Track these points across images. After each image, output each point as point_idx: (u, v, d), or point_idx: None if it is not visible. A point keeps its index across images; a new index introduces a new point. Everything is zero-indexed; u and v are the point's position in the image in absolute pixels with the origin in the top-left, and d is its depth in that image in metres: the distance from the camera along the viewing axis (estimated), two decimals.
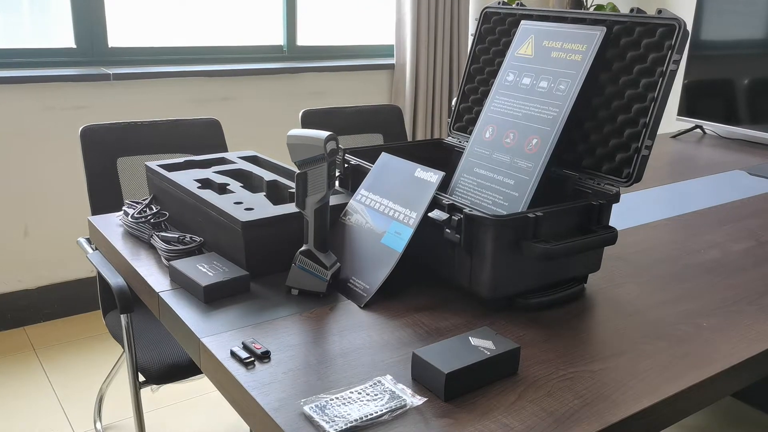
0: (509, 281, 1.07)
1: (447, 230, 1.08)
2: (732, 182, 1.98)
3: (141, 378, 1.50)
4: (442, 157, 1.51)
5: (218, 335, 0.98)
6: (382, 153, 1.26)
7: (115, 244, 1.31)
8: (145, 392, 2.05)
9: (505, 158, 1.29)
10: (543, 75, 1.30)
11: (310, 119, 2.08)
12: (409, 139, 3.17)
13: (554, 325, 1.05)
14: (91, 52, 2.62)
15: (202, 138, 1.91)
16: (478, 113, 1.49)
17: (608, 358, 0.96)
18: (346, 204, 1.25)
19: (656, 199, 1.78)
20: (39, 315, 2.60)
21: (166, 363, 1.49)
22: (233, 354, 0.93)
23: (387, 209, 1.17)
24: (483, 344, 0.91)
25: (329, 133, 1.06)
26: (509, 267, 1.06)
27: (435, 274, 1.18)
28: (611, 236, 1.09)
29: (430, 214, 1.07)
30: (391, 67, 3.17)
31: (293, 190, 1.32)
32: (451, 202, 1.08)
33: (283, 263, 1.20)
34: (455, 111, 1.53)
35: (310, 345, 0.97)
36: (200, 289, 1.08)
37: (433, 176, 1.14)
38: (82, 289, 2.67)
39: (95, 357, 2.33)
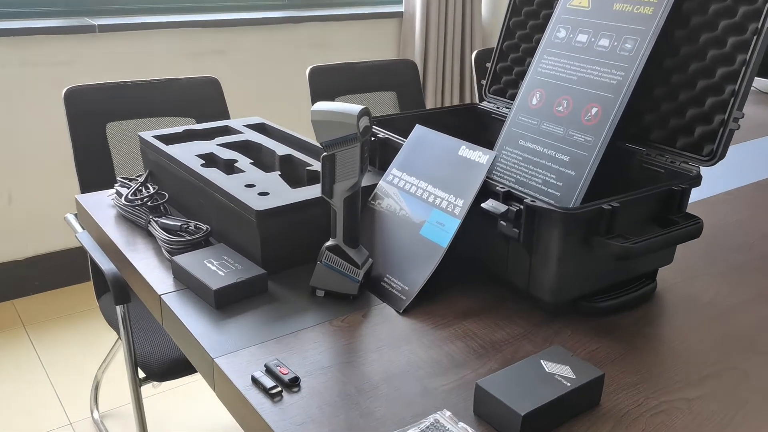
0: (575, 283, 0.91)
1: (502, 222, 0.90)
2: None
3: (141, 374, 1.35)
4: (476, 125, 1.33)
5: (235, 354, 0.82)
6: (417, 125, 1.08)
7: (108, 231, 1.13)
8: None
9: (557, 130, 1.11)
10: (603, 31, 1.11)
11: (318, 77, 1.88)
12: (425, 98, 2.96)
13: (628, 336, 0.89)
14: (75, 0, 2.39)
15: (201, 99, 1.71)
16: (519, 74, 1.30)
17: (704, 380, 0.81)
18: (374, 186, 1.07)
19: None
20: (28, 288, 2.43)
21: (169, 357, 1.33)
22: (255, 381, 0.77)
23: (426, 194, 1.00)
24: (559, 371, 0.75)
25: (361, 107, 0.87)
26: (576, 266, 0.89)
27: (481, 271, 1.01)
28: (696, 228, 0.92)
29: (483, 205, 0.90)
30: (399, 15, 2.94)
31: (311, 167, 1.14)
32: (507, 189, 0.90)
33: (304, 256, 1.03)
34: (491, 71, 1.34)
35: (345, 367, 0.80)
36: (210, 293, 0.91)
37: (483, 156, 0.96)
38: (74, 259, 2.51)
39: (89, 335, 2.18)
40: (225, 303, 0.92)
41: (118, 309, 1.29)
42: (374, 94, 2.00)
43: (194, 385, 1.93)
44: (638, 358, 0.85)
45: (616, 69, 1.06)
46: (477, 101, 2.15)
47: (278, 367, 0.79)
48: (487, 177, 0.94)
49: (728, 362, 0.85)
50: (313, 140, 1.25)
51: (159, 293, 0.95)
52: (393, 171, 1.06)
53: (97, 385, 1.76)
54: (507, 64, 1.31)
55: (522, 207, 0.88)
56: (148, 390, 1.87)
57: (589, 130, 1.07)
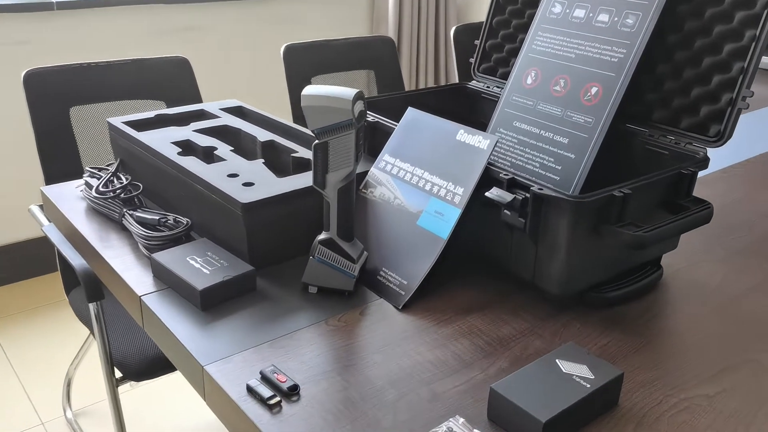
0: (583, 273, 0.86)
1: (506, 212, 0.85)
2: None
3: (117, 373, 1.28)
4: (466, 105, 1.27)
5: (227, 360, 0.76)
6: (409, 108, 1.02)
7: (78, 226, 1.05)
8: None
9: (555, 111, 1.06)
10: (602, 6, 1.05)
11: (292, 55, 1.80)
12: (404, 76, 2.89)
13: (639, 328, 0.86)
14: None
15: (170, 80, 1.62)
16: (510, 52, 1.24)
17: (721, 375, 0.77)
18: (365, 173, 1.01)
19: None
20: None
21: (147, 356, 1.26)
22: (251, 390, 0.71)
23: (422, 182, 0.94)
24: (577, 371, 0.70)
25: (356, 90, 0.81)
26: (585, 256, 0.85)
27: (481, 261, 0.96)
28: (707, 213, 0.88)
29: (488, 194, 0.84)
30: None
31: (296, 154, 1.07)
32: (511, 176, 0.85)
33: (293, 250, 0.97)
34: (480, 48, 1.28)
35: (346, 371, 0.75)
36: (196, 293, 0.84)
37: (483, 141, 0.91)
38: (40, 249, 2.40)
39: (58, 329, 2.09)
40: (212, 304, 0.85)
41: (91, 307, 1.21)
42: (351, 73, 1.93)
43: (172, 378, 1.86)
44: (651, 353, 0.81)
45: (617, 46, 1.01)
46: (457, 79, 2.09)
47: (275, 374, 0.73)
48: (489, 163, 0.89)
49: (744, 354, 0.81)
50: (295, 124, 1.18)
51: (139, 294, 0.88)
52: (385, 157, 1.00)
53: (69, 383, 1.68)
54: (497, 41, 1.25)
55: (528, 195, 0.83)
56: (124, 387, 1.79)
57: (589, 110, 1.02)
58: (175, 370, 1.29)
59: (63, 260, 1.45)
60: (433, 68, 2.95)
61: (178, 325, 0.82)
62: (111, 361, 1.24)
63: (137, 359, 1.25)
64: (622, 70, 1.00)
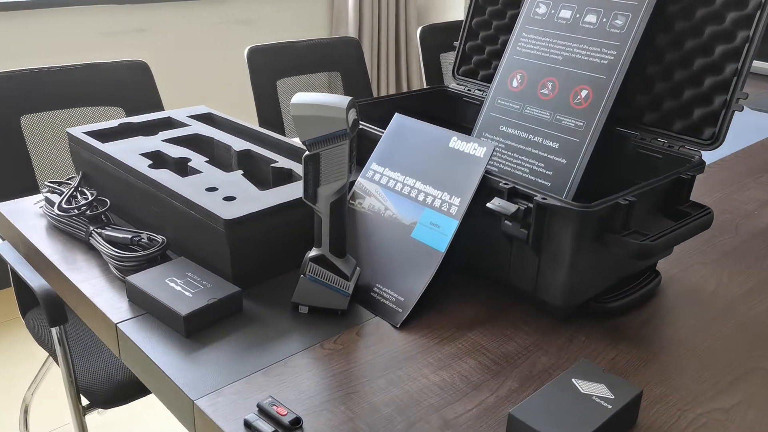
0: (586, 284, 0.83)
1: (507, 222, 0.82)
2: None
3: (84, 401, 1.19)
4: (447, 109, 1.24)
5: (219, 393, 0.70)
6: (396, 114, 0.97)
7: (40, 246, 0.97)
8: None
9: (543, 115, 1.03)
10: (589, 6, 1.03)
11: (256, 57, 1.74)
12: (373, 77, 2.83)
13: (644, 338, 0.83)
14: None
15: (128, 85, 1.54)
16: (492, 54, 1.21)
17: (734, 385, 0.75)
18: (352, 183, 0.96)
19: None
20: None
21: (115, 381, 1.18)
22: (250, 427, 0.65)
23: (414, 192, 0.89)
24: (596, 390, 0.67)
25: (349, 98, 0.76)
26: (589, 267, 0.82)
27: (479, 274, 0.92)
28: (709, 218, 0.86)
29: (490, 205, 0.80)
30: None
31: (276, 164, 1.01)
32: (511, 185, 0.81)
33: (279, 267, 0.91)
34: (460, 50, 1.24)
35: (349, 399, 0.70)
36: (179, 319, 0.78)
37: (479, 149, 0.87)
38: None
39: (12, 350, 1.97)
40: (197, 329, 0.79)
41: (54, 331, 1.13)
42: (317, 75, 1.87)
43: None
44: (660, 365, 0.78)
45: (606, 48, 0.99)
46: (423, 82, 2.06)
47: (274, 407, 0.67)
48: (487, 172, 0.85)
49: (751, 362, 0.79)
50: (269, 131, 1.12)
51: (114, 321, 0.81)
52: (373, 166, 0.95)
53: (26, 409, 1.57)
54: (477, 42, 1.22)
55: (530, 205, 0.79)
56: (92, 415, 1.70)
57: (579, 114, 1.00)
58: (147, 394, 1.21)
59: (18, 280, 1.35)
60: (395, 69, 2.91)
61: (161, 355, 0.75)
62: (77, 389, 1.16)
63: (105, 385, 1.17)
64: (612, 72, 0.98)
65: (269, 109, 1.74)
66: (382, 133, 0.97)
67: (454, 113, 1.23)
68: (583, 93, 1.00)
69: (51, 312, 1.09)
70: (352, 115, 0.76)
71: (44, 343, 1.28)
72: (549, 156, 1.01)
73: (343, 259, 0.83)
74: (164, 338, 0.78)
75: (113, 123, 1.14)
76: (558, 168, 1.00)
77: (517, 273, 0.85)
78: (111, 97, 1.52)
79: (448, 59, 2.05)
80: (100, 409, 1.18)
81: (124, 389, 1.17)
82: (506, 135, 1.07)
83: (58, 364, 1.17)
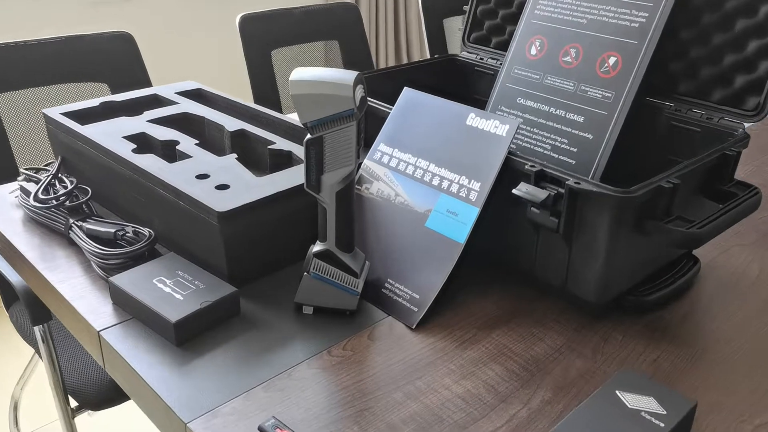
0: (623, 276, 0.75)
1: (534, 210, 0.73)
2: None
3: (72, 402, 1.12)
4: (457, 80, 1.14)
5: (214, 413, 0.62)
6: (405, 89, 0.87)
7: (15, 241, 0.88)
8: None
9: (566, 85, 0.93)
10: None
11: (249, 26, 1.63)
12: (371, 47, 2.71)
13: (687, 335, 0.75)
14: None
15: (112, 60, 1.43)
16: (506, 18, 1.11)
17: None
18: (358, 165, 0.87)
19: None
20: None
21: (105, 382, 1.10)
22: None
23: (428, 176, 0.80)
24: (644, 405, 0.59)
25: (355, 73, 0.66)
26: (626, 257, 0.73)
27: (500, 266, 0.84)
28: (757, 199, 0.77)
29: (516, 191, 0.71)
30: None
31: (274, 146, 0.92)
32: (539, 168, 0.72)
33: (280, 261, 0.82)
34: (470, 16, 1.14)
35: (363, 418, 0.62)
36: (169, 326, 0.69)
37: (501, 126, 0.78)
38: None
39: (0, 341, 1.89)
40: (189, 337, 0.71)
41: (37, 330, 1.04)
42: (314, 44, 1.76)
43: None
44: (708, 367, 0.70)
45: (637, 9, 0.89)
46: (426, 51, 1.95)
47: (277, 429, 0.59)
48: (510, 153, 0.75)
49: None
50: (265, 109, 1.02)
51: (97, 329, 0.72)
52: (380, 147, 0.86)
53: (15, 405, 1.50)
54: (489, 6, 1.11)
55: (561, 190, 0.70)
56: (82, 417, 1.63)
57: (607, 83, 0.90)
58: None
59: None
60: (393, 37, 2.79)
61: (149, 368, 0.67)
62: (64, 389, 1.08)
63: (95, 386, 1.09)
64: (644, 36, 0.88)
65: (264, 83, 1.63)
66: (390, 109, 0.87)
67: (465, 85, 1.13)
68: (611, 60, 0.90)
69: (33, 310, 1.01)
70: (360, 92, 0.66)
71: (29, 339, 1.20)
72: (573, 131, 0.92)
73: (351, 253, 0.74)
74: (153, 347, 0.70)
75: (94, 102, 1.04)
76: (584, 144, 0.91)
77: (545, 265, 0.77)
78: (94, 72, 1.41)
79: (453, 24, 1.94)
80: (90, 411, 1.11)
81: (116, 389, 1.09)
82: (524, 108, 0.97)
83: (43, 362, 1.09)
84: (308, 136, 0.67)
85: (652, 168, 0.91)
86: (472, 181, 0.77)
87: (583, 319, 0.76)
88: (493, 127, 0.77)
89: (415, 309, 0.75)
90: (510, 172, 0.75)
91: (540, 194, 0.69)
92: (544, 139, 0.95)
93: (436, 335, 0.73)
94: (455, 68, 1.14)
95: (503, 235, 0.80)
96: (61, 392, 1.08)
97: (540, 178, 0.72)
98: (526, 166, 0.73)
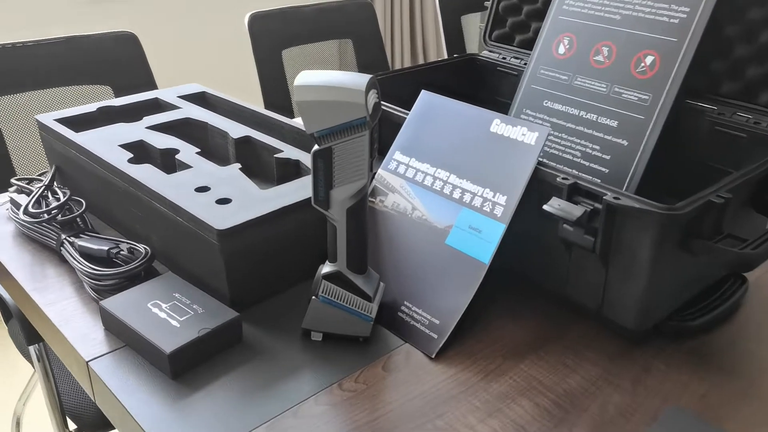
0: (665, 300, 0.67)
1: (567, 227, 0.65)
2: None
3: (72, 425, 1.06)
4: (477, 81, 1.07)
5: None
6: (423, 92, 0.80)
7: (4, 259, 0.82)
8: None
9: (598, 87, 0.86)
10: None
11: (259, 25, 1.56)
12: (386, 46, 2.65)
13: (735, 364, 0.67)
14: None
15: (116, 61, 1.37)
16: (530, 15, 1.03)
17: None
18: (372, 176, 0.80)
19: None
20: None
21: None
22: None
23: (447, 188, 0.73)
24: None
25: (368, 77, 0.59)
26: (669, 280, 0.66)
27: (526, 285, 0.76)
28: None
29: (548, 208, 0.64)
30: None
31: (281, 155, 0.85)
32: (572, 181, 0.65)
33: (287, 281, 0.76)
34: (492, 12, 1.07)
35: None
36: (163, 357, 0.63)
37: (529, 134, 0.70)
38: None
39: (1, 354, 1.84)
40: (185, 369, 0.64)
41: (32, 350, 0.98)
42: (326, 44, 1.70)
43: None
44: (761, 399, 0.63)
45: (676, 3, 0.81)
46: (444, 51, 1.88)
47: None
48: (540, 165, 0.68)
49: None
50: (273, 113, 0.96)
51: (85, 359, 0.66)
52: (396, 156, 0.79)
53: (18, 421, 1.45)
54: (513, 1, 1.04)
55: (597, 206, 0.63)
56: None
57: (643, 85, 0.83)
58: None
59: None
60: (409, 36, 2.72)
61: (141, 404, 0.60)
62: (62, 411, 1.02)
63: (95, 408, 1.03)
64: (685, 33, 0.80)
65: (275, 85, 1.57)
66: (406, 114, 0.80)
67: (486, 87, 1.06)
68: (648, 59, 0.82)
69: (27, 330, 0.95)
70: (373, 98, 0.60)
71: (27, 356, 1.14)
72: (606, 137, 0.84)
73: (364, 275, 0.67)
74: (146, 380, 0.63)
75: (91, 107, 0.98)
76: (618, 151, 0.83)
77: (577, 287, 0.69)
78: (96, 74, 1.36)
79: (472, 22, 1.86)
80: None
81: None
82: (552, 112, 0.90)
83: (39, 380, 1.03)
84: (315, 147, 0.61)
85: (690, 177, 0.84)
86: (497, 194, 0.70)
87: (620, 347, 0.69)
88: (521, 134, 0.70)
89: (435, 336, 0.68)
90: (539, 184, 0.68)
91: (574, 211, 0.62)
92: (573, 146, 0.87)
93: (458, 365, 0.66)
94: (475, 69, 1.06)
95: (531, 252, 0.73)
96: (58, 414, 1.02)
97: (573, 192, 0.65)
98: (557, 179, 0.65)
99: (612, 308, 0.67)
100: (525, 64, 0.96)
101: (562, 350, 0.68)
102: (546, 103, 0.91)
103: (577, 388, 0.64)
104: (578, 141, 0.87)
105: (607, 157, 0.84)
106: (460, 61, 1.06)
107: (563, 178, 0.65)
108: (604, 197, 0.62)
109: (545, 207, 0.64)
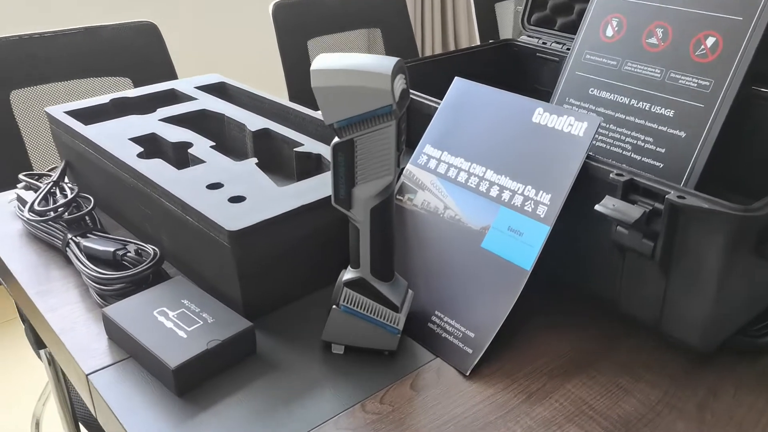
0: (737, 315, 0.59)
1: (622, 230, 0.57)
2: None
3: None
4: (514, 68, 0.99)
5: None
6: (456, 79, 0.73)
7: (8, 260, 0.77)
8: None
9: (652, 72, 0.78)
10: None
11: (283, 14, 1.50)
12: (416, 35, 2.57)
13: None
14: None
15: (136, 52, 1.32)
16: None
17: None
18: (400, 171, 0.73)
19: None
20: None
21: None
22: None
23: (484, 185, 0.66)
24: None
25: (394, 59, 0.52)
26: (741, 291, 0.57)
27: (570, 293, 0.69)
28: None
29: (599, 207, 0.56)
30: None
31: (301, 148, 0.79)
32: (628, 177, 0.57)
33: (304, 289, 0.69)
34: None
35: None
36: (167, 372, 0.57)
37: (577, 124, 0.62)
38: None
39: (16, 353, 1.81)
40: (192, 385, 0.58)
41: (43, 354, 0.94)
42: (353, 33, 1.63)
43: None
44: None
45: None
46: (476, 37, 1.79)
47: None
48: (589, 159, 0.60)
49: None
50: (294, 104, 0.89)
51: (85, 372, 0.60)
52: (426, 149, 0.72)
53: (37, 424, 1.42)
54: None
55: (660, 206, 0.55)
56: None
57: (704, 69, 0.74)
58: None
59: None
60: (440, 25, 2.63)
61: (143, 425, 0.54)
62: (75, 418, 0.97)
63: None
64: (753, 11, 0.71)
65: (300, 77, 1.50)
66: (438, 104, 0.73)
67: (524, 75, 0.98)
68: (709, 41, 0.74)
69: (33, 336, 0.90)
70: (400, 83, 0.52)
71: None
72: (661, 128, 0.76)
73: (390, 282, 0.60)
74: (150, 397, 0.57)
75: (103, 99, 0.92)
76: (674, 144, 0.75)
77: (631, 297, 0.61)
78: (115, 66, 1.31)
79: (506, 9, 1.78)
80: None
81: None
82: (599, 101, 0.82)
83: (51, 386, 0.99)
84: (336, 139, 0.54)
85: (757, 173, 0.75)
86: (541, 192, 0.62)
87: (682, 366, 0.61)
88: (567, 124, 0.62)
89: (469, 350, 0.60)
90: (588, 181, 0.60)
91: (633, 212, 0.54)
92: (623, 138, 0.79)
93: (496, 385, 0.59)
94: (512, 55, 0.98)
95: (577, 258, 0.65)
96: (71, 420, 0.97)
97: (629, 190, 0.57)
98: (611, 175, 0.58)
99: (673, 323, 0.59)
100: (568, 49, 0.88)
101: (615, 369, 0.61)
102: (592, 91, 0.83)
103: (633, 414, 0.56)
104: (628, 133, 0.79)
105: (662, 151, 0.76)
106: (495, 47, 0.98)
107: (617, 174, 0.57)
108: (666, 196, 0.54)
109: (598, 207, 0.56)
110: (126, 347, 0.62)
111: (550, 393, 0.58)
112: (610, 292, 0.63)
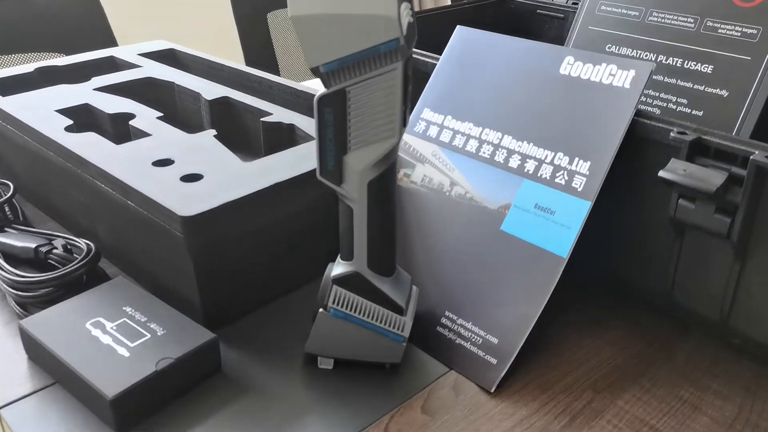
0: None
1: (686, 204, 0.45)
2: None
3: None
4: (509, 27, 0.86)
5: None
6: (458, 27, 0.60)
7: None
8: None
9: (684, 21, 0.66)
10: None
11: None
12: None
13: None
14: None
15: (71, 24, 1.16)
16: None
17: None
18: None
19: None
20: None
21: None
22: None
23: (501, 153, 0.53)
24: None
25: None
26: None
27: (608, 279, 0.57)
28: None
29: (664, 173, 0.44)
30: None
31: (269, 117, 0.65)
32: (695, 136, 0.45)
33: (279, 290, 0.56)
34: None
35: None
36: (104, 403, 0.43)
37: (621, 73, 0.50)
38: None
39: None
40: (136, 419, 0.44)
41: None
42: None
43: None
44: None
45: None
46: None
47: None
48: (638, 114, 0.48)
49: None
50: (259, 71, 0.75)
51: None
52: (424, 114, 0.59)
53: None
54: None
55: (741, 172, 0.43)
56: None
57: (749, 15, 0.63)
58: None
59: None
60: None
61: None
62: None
63: None
64: None
65: (259, 54, 1.36)
66: (437, 60, 0.60)
67: (523, 34, 0.86)
68: None
69: None
70: (407, 14, 0.39)
71: None
72: (697, 87, 0.64)
73: (392, 277, 0.47)
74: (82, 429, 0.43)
75: (27, 68, 0.77)
76: (715, 105, 0.63)
77: (690, 288, 0.50)
78: (48, 40, 1.15)
79: None
80: None
81: None
82: None
83: None
84: (322, 90, 0.40)
85: None
86: (577, 159, 0.49)
87: (759, 373, 0.49)
88: (608, 74, 0.50)
89: (493, 361, 0.48)
90: (638, 142, 0.48)
91: (713, 178, 0.42)
92: (649, 101, 0.67)
93: (530, 404, 0.46)
94: (509, 12, 0.86)
95: (619, 239, 0.53)
96: None
97: (697, 153, 0.45)
98: (671, 133, 0.45)
99: (748, 319, 0.47)
100: (575, 3, 0.76)
101: (674, 378, 0.49)
102: (609, 47, 0.71)
103: None
104: (656, 95, 0.67)
105: (699, 114, 0.64)
106: (488, 4, 0.85)
107: (679, 132, 0.45)
108: (751, 157, 0.42)
109: (663, 174, 0.43)
110: (50, 370, 0.48)
111: (600, 413, 0.46)
112: (661, 282, 0.51)
